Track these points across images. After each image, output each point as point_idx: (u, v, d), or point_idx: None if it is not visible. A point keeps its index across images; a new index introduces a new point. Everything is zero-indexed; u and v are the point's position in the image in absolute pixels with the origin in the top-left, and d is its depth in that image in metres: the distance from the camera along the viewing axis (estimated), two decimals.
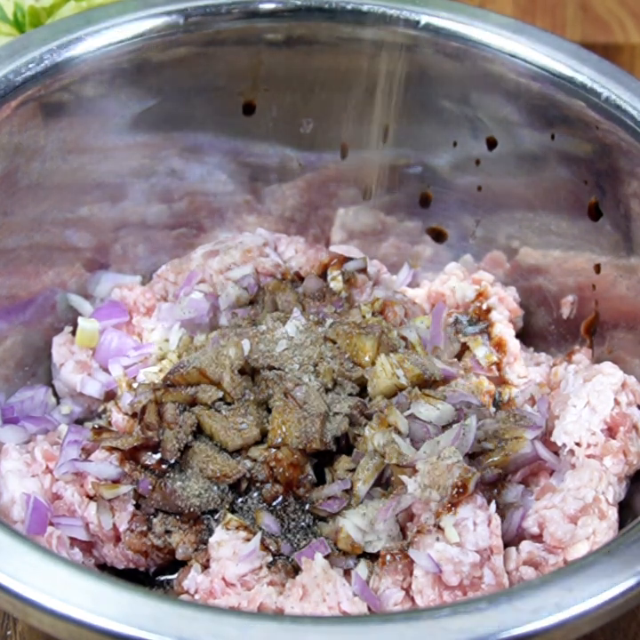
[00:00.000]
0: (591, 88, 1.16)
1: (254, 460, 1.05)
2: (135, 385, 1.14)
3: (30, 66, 1.14)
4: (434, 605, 0.95)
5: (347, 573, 1.00)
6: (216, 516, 1.05)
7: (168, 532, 1.05)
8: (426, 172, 1.28)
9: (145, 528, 1.04)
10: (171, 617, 0.79)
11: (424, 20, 1.20)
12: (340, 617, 0.94)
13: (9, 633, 1.08)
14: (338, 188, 1.31)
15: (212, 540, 1.01)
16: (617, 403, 1.10)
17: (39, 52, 1.15)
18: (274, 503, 1.05)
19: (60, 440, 1.11)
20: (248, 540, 1.01)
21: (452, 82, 1.22)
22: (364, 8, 1.20)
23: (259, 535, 1.01)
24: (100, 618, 0.79)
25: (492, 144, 1.23)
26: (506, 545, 1.02)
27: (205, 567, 1.02)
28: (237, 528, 1.02)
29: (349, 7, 1.20)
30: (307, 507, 1.05)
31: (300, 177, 1.31)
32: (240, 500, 1.06)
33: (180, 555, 1.04)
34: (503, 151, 1.23)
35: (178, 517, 1.05)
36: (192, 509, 1.04)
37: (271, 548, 1.02)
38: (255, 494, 1.06)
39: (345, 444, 1.07)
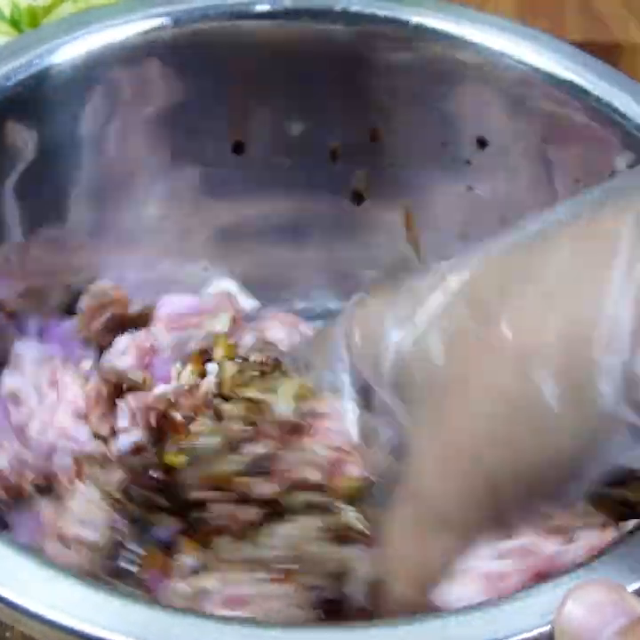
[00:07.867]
0: (586, 89, 1.15)
1: None
2: None
3: (22, 68, 1.13)
4: None
5: None
6: None
7: None
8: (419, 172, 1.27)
9: None
10: (162, 623, 0.78)
11: (414, 20, 1.19)
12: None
13: (8, 634, 1.08)
14: None
15: None
16: None
17: (32, 54, 1.14)
18: None
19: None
20: None
21: (443, 82, 1.21)
22: (353, 9, 1.20)
23: None
24: (90, 626, 0.77)
25: (482, 144, 1.23)
26: None
27: None
28: None
29: (338, 8, 1.20)
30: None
31: None
32: None
33: None
34: (495, 152, 1.22)
35: None
36: None
37: None
38: None
39: None
